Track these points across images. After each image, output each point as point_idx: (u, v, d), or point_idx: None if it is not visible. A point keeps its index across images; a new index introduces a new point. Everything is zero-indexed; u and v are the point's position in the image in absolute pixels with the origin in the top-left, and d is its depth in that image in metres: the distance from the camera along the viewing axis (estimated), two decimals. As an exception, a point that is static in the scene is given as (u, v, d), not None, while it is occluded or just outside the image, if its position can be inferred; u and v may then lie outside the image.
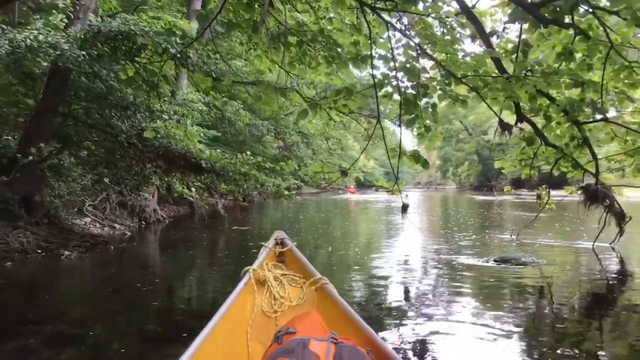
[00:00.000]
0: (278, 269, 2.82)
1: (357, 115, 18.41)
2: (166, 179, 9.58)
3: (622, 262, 7.19)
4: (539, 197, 5.90)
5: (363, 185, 64.75)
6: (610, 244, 7.34)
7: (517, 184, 50.55)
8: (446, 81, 4.29)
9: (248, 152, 8.34)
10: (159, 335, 3.94)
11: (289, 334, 1.77)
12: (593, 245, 7.38)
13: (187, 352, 1.82)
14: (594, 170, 5.44)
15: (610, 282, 5.91)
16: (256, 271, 2.68)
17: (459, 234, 11.06)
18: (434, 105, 4.67)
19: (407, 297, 5.23)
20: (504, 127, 4.91)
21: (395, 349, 3.44)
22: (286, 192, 8.76)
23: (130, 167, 8.28)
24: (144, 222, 12.86)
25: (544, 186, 5.99)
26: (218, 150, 8.56)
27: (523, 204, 25.64)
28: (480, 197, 33.22)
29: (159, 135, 7.79)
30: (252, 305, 2.52)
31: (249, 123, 15.37)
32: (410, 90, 4.38)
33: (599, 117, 4.96)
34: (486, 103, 4.48)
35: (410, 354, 3.44)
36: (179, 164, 8.14)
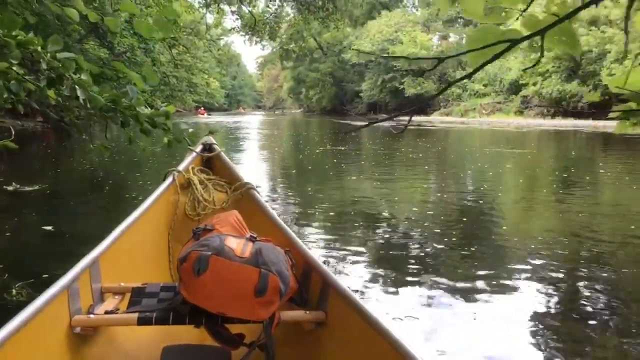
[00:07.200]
0: (204, 174, 2.64)
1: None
2: None
3: None
4: None
5: (203, 106, 59.17)
6: None
7: (374, 108, 49.91)
8: None
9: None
10: None
11: (207, 231, 1.70)
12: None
13: (102, 245, 1.78)
14: None
15: None
16: (181, 173, 2.53)
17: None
18: None
19: None
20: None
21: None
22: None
23: None
24: None
25: None
26: None
27: (431, 131, 23.21)
28: (359, 122, 30.24)
29: None
30: (174, 207, 2.46)
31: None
32: None
33: None
34: None
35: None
36: None
